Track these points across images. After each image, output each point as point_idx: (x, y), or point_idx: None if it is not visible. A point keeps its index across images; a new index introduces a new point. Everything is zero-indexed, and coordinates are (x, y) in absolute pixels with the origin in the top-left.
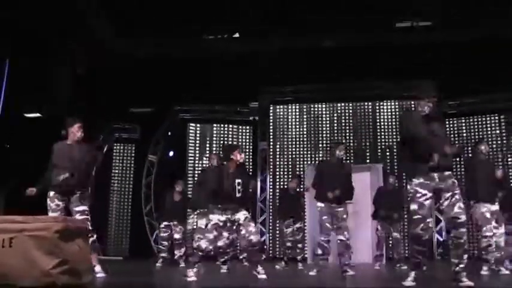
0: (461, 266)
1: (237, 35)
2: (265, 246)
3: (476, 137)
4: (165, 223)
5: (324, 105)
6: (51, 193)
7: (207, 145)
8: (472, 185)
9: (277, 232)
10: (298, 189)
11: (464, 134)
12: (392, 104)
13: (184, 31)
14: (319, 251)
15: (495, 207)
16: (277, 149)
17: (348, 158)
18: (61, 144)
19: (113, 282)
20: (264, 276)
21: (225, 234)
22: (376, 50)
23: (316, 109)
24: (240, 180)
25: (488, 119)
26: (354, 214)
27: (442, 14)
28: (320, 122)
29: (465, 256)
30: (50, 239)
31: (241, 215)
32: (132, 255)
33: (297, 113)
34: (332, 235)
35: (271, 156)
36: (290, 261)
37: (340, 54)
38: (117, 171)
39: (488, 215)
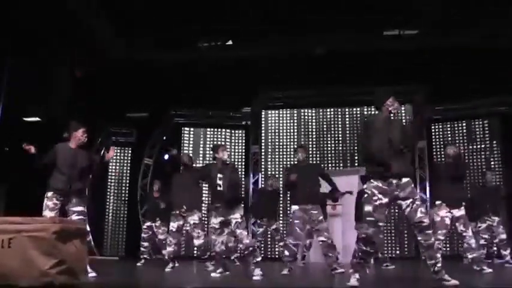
0: (439, 265)
1: (230, 42)
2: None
3: (463, 141)
4: (147, 224)
5: (313, 111)
6: (50, 193)
7: (201, 149)
8: (436, 188)
9: (269, 233)
10: (274, 189)
11: (450, 138)
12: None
13: (180, 39)
14: (287, 253)
15: (460, 212)
16: (269, 153)
17: (337, 161)
18: (64, 146)
19: (105, 282)
20: (258, 278)
21: (220, 239)
22: (365, 57)
23: (306, 114)
24: (221, 175)
25: (472, 124)
26: (343, 216)
27: (428, 23)
28: (310, 127)
29: (439, 255)
30: (48, 240)
31: (233, 220)
32: (128, 255)
33: (288, 118)
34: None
35: (262, 159)
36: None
37: (330, 61)
38: (113, 173)
39: (447, 221)
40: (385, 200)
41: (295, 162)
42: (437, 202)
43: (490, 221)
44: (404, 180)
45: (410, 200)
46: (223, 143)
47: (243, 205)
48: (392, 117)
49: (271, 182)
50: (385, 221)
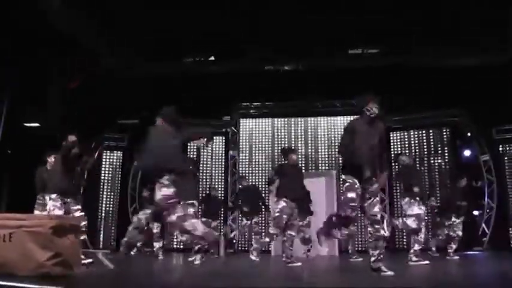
0: (382, 256)
1: (212, 58)
2: (234, 241)
3: (419, 148)
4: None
5: (284, 120)
6: (54, 195)
7: (186, 153)
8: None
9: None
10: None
11: (406, 145)
12: (343, 119)
13: (168, 54)
14: (267, 239)
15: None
16: (246, 156)
17: (305, 165)
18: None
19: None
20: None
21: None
22: (330, 73)
23: (277, 123)
24: None
25: (424, 132)
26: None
27: (388, 43)
28: (281, 134)
29: (383, 247)
30: (45, 235)
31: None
32: (119, 248)
33: (262, 126)
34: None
35: (240, 162)
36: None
37: (299, 77)
38: (106, 174)
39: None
40: (359, 191)
41: (285, 162)
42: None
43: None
44: (374, 180)
45: (372, 197)
46: (209, 151)
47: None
48: (373, 122)
49: (242, 181)
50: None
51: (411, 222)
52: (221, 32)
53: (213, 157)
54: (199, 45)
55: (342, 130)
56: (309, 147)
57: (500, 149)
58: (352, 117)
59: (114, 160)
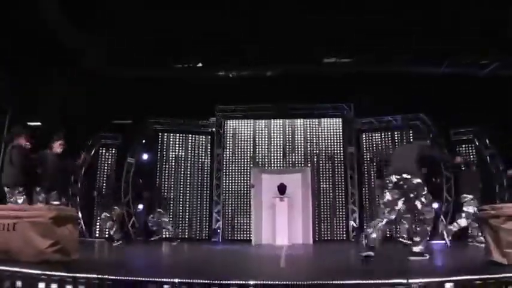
0: None
1: (200, 64)
2: (219, 231)
3: (386, 148)
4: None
5: (265, 121)
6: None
7: (176, 151)
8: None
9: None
10: None
11: (375, 145)
12: (318, 121)
13: (159, 60)
14: None
15: None
16: (230, 155)
17: (284, 162)
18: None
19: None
20: None
21: None
22: (307, 79)
23: (259, 124)
24: None
25: (391, 134)
26: (289, 207)
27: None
28: (262, 135)
29: None
30: (45, 224)
31: None
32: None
33: (246, 127)
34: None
35: (225, 160)
36: None
37: (279, 81)
38: (101, 170)
39: None
40: None
41: None
42: None
43: None
44: None
45: None
46: (196, 150)
47: None
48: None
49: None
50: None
51: None
52: (208, 40)
53: (200, 155)
54: (187, 52)
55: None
56: (286, 146)
57: (457, 149)
58: (321, 119)
59: (110, 157)
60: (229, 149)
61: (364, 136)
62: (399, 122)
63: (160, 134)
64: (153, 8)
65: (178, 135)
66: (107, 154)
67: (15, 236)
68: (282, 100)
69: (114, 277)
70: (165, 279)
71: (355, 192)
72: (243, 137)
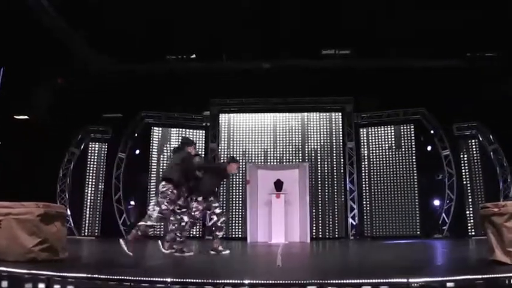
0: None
1: (194, 56)
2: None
3: (384, 142)
4: None
5: (261, 115)
6: None
7: (168, 145)
8: None
9: None
10: None
11: (373, 140)
12: (316, 115)
13: (151, 52)
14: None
15: None
16: (224, 149)
17: (277, 157)
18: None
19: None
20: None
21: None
22: (305, 71)
23: (255, 118)
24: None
25: (390, 128)
26: (286, 202)
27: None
28: (255, 128)
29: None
30: (32, 222)
31: None
32: (103, 235)
33: (240, 121)
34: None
35: (219, 155)
36: None
37: (275, 75)
38: (92, 165)
39: None
40: None
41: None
42: None
43: None
44: None
45: None
46: None
47: None
48: None
49: None
50: None
51: None
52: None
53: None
54: (181, 43)
55: (315, 125)
56: (284, 141)
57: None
58: (320, 113)
59: (100, 151)
60: (223, 143)
61: (363, 130)
62: (400, 116)
63: (152, 128)
64: None
65: (170, 129)
66: (97, 149)
67: (1, 234)
68: (278, 94)
69: (104, 276)
70: (157, 279)
71: (354, 189)
72: (238, 132)
